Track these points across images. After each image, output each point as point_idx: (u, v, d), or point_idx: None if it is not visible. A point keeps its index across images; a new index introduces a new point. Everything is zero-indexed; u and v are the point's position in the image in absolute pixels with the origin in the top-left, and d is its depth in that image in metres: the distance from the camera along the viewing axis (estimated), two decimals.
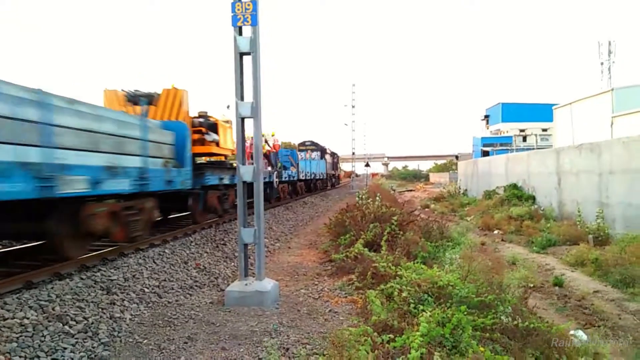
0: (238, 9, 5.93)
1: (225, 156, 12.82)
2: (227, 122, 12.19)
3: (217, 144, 11.28)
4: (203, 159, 12.58)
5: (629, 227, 10.46)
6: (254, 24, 5.98)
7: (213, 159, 13.10)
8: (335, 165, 39.93)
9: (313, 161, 29.29)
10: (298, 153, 25.82)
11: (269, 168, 17.61)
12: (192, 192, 9.99)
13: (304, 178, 24.70)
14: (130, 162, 7.18)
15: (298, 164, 23.32)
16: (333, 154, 38.65)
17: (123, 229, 7.24)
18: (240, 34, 6.12)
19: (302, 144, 32.09)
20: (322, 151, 32.74)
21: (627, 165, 11.08)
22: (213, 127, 11.19)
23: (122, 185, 6.96)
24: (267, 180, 16.35)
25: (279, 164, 19.50)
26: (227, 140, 12.05)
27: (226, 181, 11.93)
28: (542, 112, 44.89)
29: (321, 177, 31.24)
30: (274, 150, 19.24)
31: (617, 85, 26.76)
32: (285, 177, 19.95)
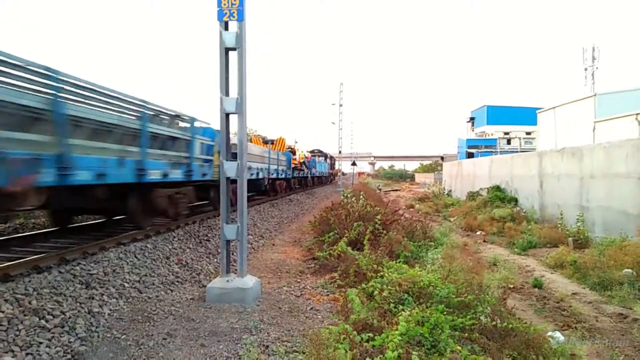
0: (224, 4, 5.88)
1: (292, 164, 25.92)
2: (298, 149, 28.46)
3: (295, 159, 26.40)
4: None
5: (607, 230, 10.64)
6: (240, 19, 5.94)
7: (293, 165, 25.70)
8: (332, 165, 52.67)
9: (321, 164, 41.47)
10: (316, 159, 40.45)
11: (305, 169, 30.12)
12: (290, 178, 24.06)
13: (318, 175, 38.77)
14: (275, 169, 19.40)
15: (316, 166, 36.66)
16: (331, 157, 51.21)
17: (280, 189, 21.89)
18: (226, 29, 6.08)
19: (312, 151, 42.18)
20: (325, 156, 46.31)
21: (607, 170, 11.27)
22: (294, 152, 26.92)
23: (281, 175, 20.98)
24: (305, 175, 30.27)
25: (309, 167, 32.62)
26: (297, 157, 27.36)
27: (299, 175, 27.32)
28: (527, 115, 45.53)
29: (325, 175, 45.40)
30: (308, 160, 31.87)
31: (600, 90, 27.19)
32: (312, 174, 34.30)
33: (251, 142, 18.45)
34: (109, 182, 6.39)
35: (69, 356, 4.22)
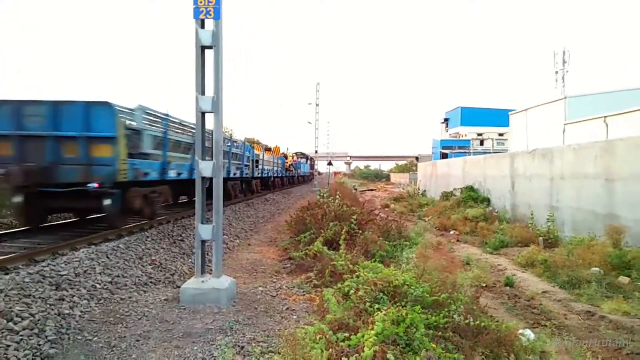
0: (200, 2, 5.82)
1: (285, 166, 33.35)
2: (288, 155, 37.28)
3: (287, 162, 34.44)
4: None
5: (576, 230, 10.94)
6: (217, 17, 5.88)
7: (285, 167, 33.02)
8: (312, 166, 58.84)
9: (304, 165, 48.34)
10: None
11: (293, 170, 38.04)
12: (283, 177, 31.72)
13: (302, 175, 46.49)
14: (276, 170, 27.80)
15: (300, 167, 44.36)
16: (311, 159, 56.79)
17: (277, 185, 29.51)
18: (203, 27, 6.01)
19: (296, 153, 47.55)
20: (307, 158, 52.79)
21: (577, 171, 11.59)
22: (286, 157, 34.96)
23: (279, 174, 29.36)
24: (293, 175, 38.32)
25: (296, 168, 40.34)
26: (288, 161, 34.95)
27: (289, 174, 35.68)
28: (499, 117, 46.40)
29: (307, 174, 52.66)
30: (295, 162, 39.38)
31: (570, 93, 27.86)
32: (298, 174, 42.17)
33: (255, 149, 22.48)
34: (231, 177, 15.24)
35: (38, 359, 4.12)
